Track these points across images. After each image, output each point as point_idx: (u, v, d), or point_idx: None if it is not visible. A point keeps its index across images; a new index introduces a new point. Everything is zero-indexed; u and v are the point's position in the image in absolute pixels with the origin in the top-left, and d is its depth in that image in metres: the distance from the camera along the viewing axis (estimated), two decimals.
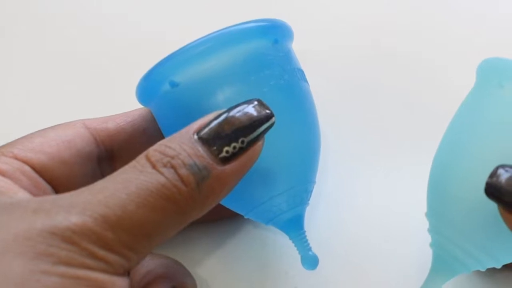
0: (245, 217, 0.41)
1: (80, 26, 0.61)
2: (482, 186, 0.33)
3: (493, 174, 0.33)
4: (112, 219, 0.30)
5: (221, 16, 0.59)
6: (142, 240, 0.31)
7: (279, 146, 0.39)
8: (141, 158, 0.33)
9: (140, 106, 0.42)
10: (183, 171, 0.32)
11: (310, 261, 0.41)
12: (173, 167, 0.32)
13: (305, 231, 0.41)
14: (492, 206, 0.33)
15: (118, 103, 0.45)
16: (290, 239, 0.41)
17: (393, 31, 0.58)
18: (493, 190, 0.32)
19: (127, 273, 0.32)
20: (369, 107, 0.54)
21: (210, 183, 0.32)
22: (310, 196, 0.42)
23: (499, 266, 0.38)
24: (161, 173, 0.32)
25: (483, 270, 0.38)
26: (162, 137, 0.40)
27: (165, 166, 0.32)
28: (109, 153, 0.42)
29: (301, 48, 0.45)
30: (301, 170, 0.41)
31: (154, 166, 0.32)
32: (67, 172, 0.38)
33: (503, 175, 0.32)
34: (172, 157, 0.32)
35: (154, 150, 0.33)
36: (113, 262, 0.31)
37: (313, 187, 0.43)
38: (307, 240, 0.41)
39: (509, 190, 0.32)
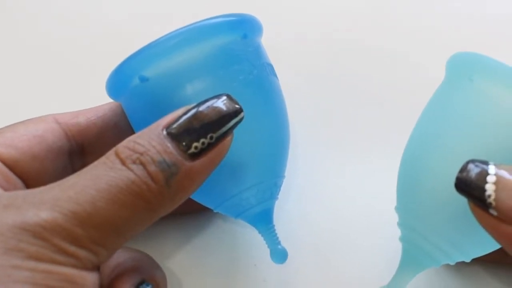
0: (215, 211, 0.42)
1: (51, 20, 0.61)
2: (452, 180, 0.33)
3: (463, 169, 0.33)
4: (82, 216, 0.31)
5: (191, 10, 0.60)
6: (112, 236, 0.32)
7: (248, 140, 0.39)
8: (110, 154, 0.33)
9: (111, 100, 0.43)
10: (152, 168, 0.32)
11: (279, 254, 0.41)
12: (142, 163, 0.32)
13: (274, 225, 0.42)
14: (461, 200, 0.33)
15: (89, 97, 0.46)
16: (259, 233, 0.42)
17: (363, 25, 0.59)
18: (463, 185, 0.32)
19: (97, 267, 0.33)
20: (339, 101, 0.54)
21: (179, 179, 0.33)
22: (279, 190, 0.43)
23: (468, 260, 0.38)
24: (131, 170, 0.32)
25: (452, 264, 0.38)
26: (133, 131, 0.40)
27: (134, 162, 0.32)
28: (80, 147, 0.42)
29: (270, 43, 0.46)
30: (270, 164, 0.42)
31: (123, 163, 0.32)
32: (38, 167, 0.39)
33: (473, 170, 0.32)
34: (141, 154, 0.33)
35: (123, 147, 0.33)
36: (83, 257, 0.31)
37: (283, 181, 0.43)
38: (276, 234, 0.42)
39: (479, 185, 0.32)
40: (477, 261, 0.41)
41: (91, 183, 0.32)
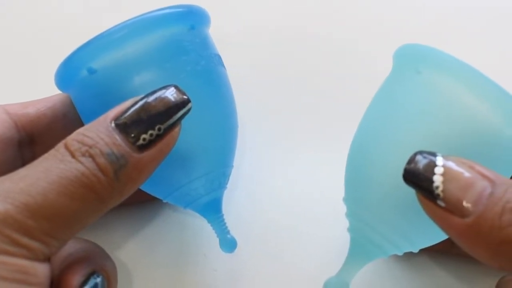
0: (164, 201, 0.43)
1: (0, 12, 0.61)
2: (399, 171, 0.33)
3: (411, 160, 0.33)
4: (34, 207, 0.32)
5: (141, 1, 0.59)
6: (63, 228, 0.33)
7: (197, 131, 0.40)
8: (60, 147, 0.34)
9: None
10: (101, 160, 0.33)
11: (229, 244, 0.43)
12: (91, 156, 0.33)
13: (223, 215, 0.43)
14: (409, 191, 0.34)
15: (39, 89, 0.46)
16: (209, 222, 0.43)
17: (311, 16, 0.60)
18: (411, 176, 0.33)
19: (48, 258, 0.34)
20: (287, 91, 0.55)
21: (128, 171, 0.34)
22: (228, 180, 0.44)
23: (416, 251, 0.39)
24: (80, 162, 0.33)
25: (400, 254, 0.39)
26: (82, 122, 0.41)
27: (83, 155, 0.33)
28: (29, 138, 0.43)
29: (218, 33, 0.46)
30: (218, 154, 0.43)
31: (73, 155, 0.33)
32: None
33: (421, 162, 0.33)
34: (90, 146, 0.34)
35: (72, 139, 0.34)
36: (35, 248, 0.32)
37: (231, 171, 0.44)
38: (225, 223, 0.43)
39: (427, 176, 0.32)
40: (425, 251, 0.42)
41: (43, 175, 0.32)
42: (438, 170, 0.32)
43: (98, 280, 0.39)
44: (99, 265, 0.40)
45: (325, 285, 0.39)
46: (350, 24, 0.59)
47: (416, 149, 0.34)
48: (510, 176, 0.38)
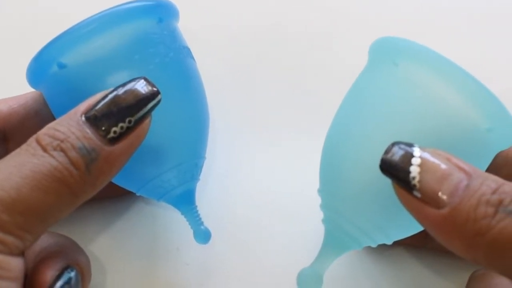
0: (137, 194, 0.43)
1: None
2: (375, 163, 0.34)
3: (388, 150, 0.33)
4: (8, 202, 0.32)
5: None
6: (37, 222, 0.33)
7: (167, 122, 0.41)
8: (31, 141, 0.34)
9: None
10: (72, 154, 0.34)
11: (202, 235, 0.43)
12: (63, 150, 0.34)
13: (196, 206, 0.44)
14: (384, 183, 0.34)
15: (12, 86, 0.46)
16: (182, 214, 0.44)
17: (284, 8, 0.59)
18: (388, 166, 0.33)
19: (22, 253, 0.34)
20: (260, 84, 0.55)
21: (99, 164, 0.34)
22: (201, 171, 0.44)
23: (390, 243, 0.40)
24: (53, 157, 0.33)
25: (374, 246, 0.40)
26: (54, 119, 0.40)
27: (55, 149, 0.34)
28: (2, 135, 0.43)
29: (188, 26, 0.47)
30: (190, 145, 0.43)
31: (45, 150, 0.34)
32: None
33: (398, 152, 0.33)
34: (62, 141, 0.34)
35: (44, 134, 0.34)
36: (9, 243, 0.32)
37: (203, 162, 0.45)
38: (198, 215, 0.44)
39: (403, 167, 0.33)
40: (399, 244, 0.43)
41: (15, 170, 0.33)
42: (415, 161, 0.33)
43: (72, 274, 0.39)
44: (72, 259, 0.40)
45: (298, 276, 0.40)
46: (326, 17, 0.59)
47: (391, 141, 0.34)
48: (485, 170, 0.39)
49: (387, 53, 0.39)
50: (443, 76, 0.37)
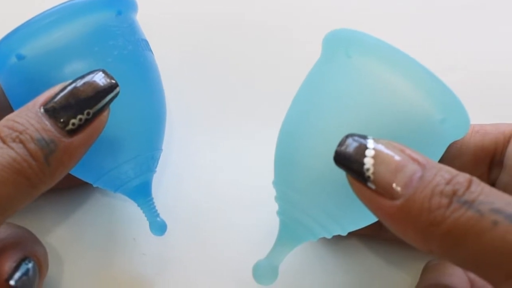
0: (94, 185, 0.44)
1: None
2: (328, 155, 0.34)
3: (342, 142, 0.34)
4: None
5: None
6: None
7: (125, 114, 0.41)
8: None
9: None
10: (31, 146, 0.34)
11: (158, 227, 0.44)
12: (21, 142, 0.34)
13: (152, 198, 0.44)
14: (338, 174, 0.34)
15: None
16: (138, 205, 0.44)
17: (242, 2, 0.60)
18: (342, 158, 0.34)
19: None
20: (216, 76, 0.56)
21: (58, 156, 0.35)
22: (157, 163, 0.45)
23: (345, 234, 0.40)
24: (11, 148, 0.34)
25: (329, 237, 0.40)
26: (11, 109, 0.41)
27: (14, 141, 0.34)
28: None
29: (146, 19, 0.47)
30: (147, 137, 0.44)
31: (3, 141, 0.34)
32: None
33: (352, 144, 0.33)
34: (20, 132, 0.34)
35: (3, 126, 0.35)
36: None
37: (160, 154, 0.45)
38: (155, 207, 0.44)
39: (357, 159, 0.33)
40: (354, 235, 0.44)
41: None
42: (369, 152, 0.33)
43: (30, 265, 0.39)
44: (30, 250, 0.40)
45: (254, 268, 0.40)
46: (281, 9, 0.60)
47: (345, 133, 0.34)
48: (439, 160, 0.39)
49: (340, 45, 0.39)
50: (396, 68, 0.37)
